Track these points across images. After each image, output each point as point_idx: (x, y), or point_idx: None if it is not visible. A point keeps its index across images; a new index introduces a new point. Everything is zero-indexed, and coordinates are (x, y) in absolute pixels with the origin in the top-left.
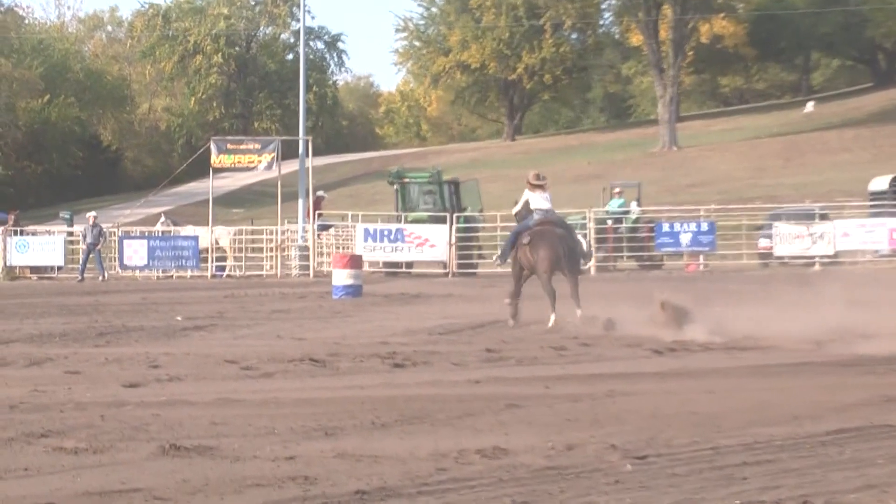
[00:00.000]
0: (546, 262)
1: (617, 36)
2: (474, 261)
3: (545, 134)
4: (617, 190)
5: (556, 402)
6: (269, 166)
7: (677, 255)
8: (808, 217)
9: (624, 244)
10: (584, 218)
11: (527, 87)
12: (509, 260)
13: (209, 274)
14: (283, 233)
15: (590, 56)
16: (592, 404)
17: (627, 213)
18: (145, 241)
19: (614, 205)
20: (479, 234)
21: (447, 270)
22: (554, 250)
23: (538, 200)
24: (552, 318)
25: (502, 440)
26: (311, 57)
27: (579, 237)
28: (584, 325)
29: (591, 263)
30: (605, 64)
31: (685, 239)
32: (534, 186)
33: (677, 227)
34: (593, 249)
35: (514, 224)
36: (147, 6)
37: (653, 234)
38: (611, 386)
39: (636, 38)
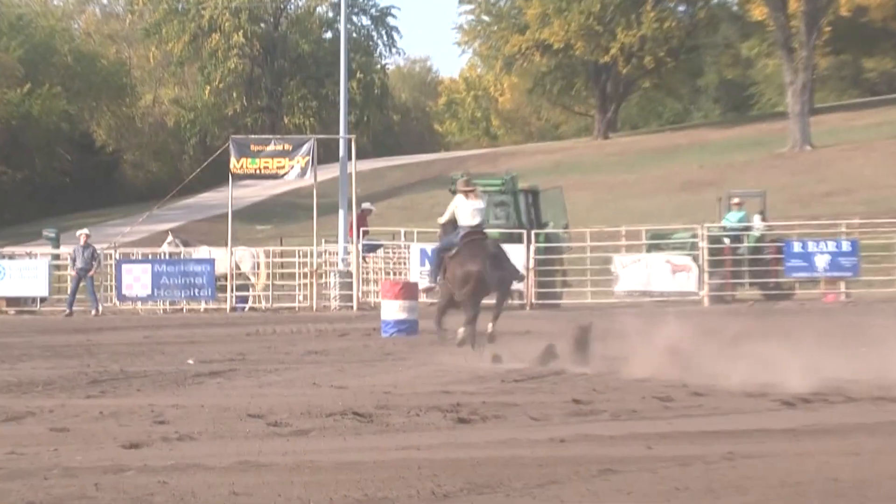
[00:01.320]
0: (462, 278)
1: (735, 7)
2: (557, 290)
3: (645, 130)
4: (736, 200)
5: (662, 466)
6: (303, 173)
7: (812, 281)
8: None
9: (745, 268)
10: (695, 236)
11: (622, 72)
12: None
13: (228, 306)
14: (319, 255)
15: (701, 33)
16: (706, 469)
17: (749, 229)
18: (149, 266)
19: (733, 219)
20: (564, 255)
21: (524, 301)
22: (481, 265)
23: (466, 211)
24: (461, 331)
25: None
26: (355, 35)
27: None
28: (475, 349)
29: (704, 292)
30: (721, 43)
31: (821, 262)
32: (465, 193)
33: (811, 246)
34: (706, 275)
35: (605, 243)
36: None
37: (781, 256)
38: (729, 446)
39: (759, 11)
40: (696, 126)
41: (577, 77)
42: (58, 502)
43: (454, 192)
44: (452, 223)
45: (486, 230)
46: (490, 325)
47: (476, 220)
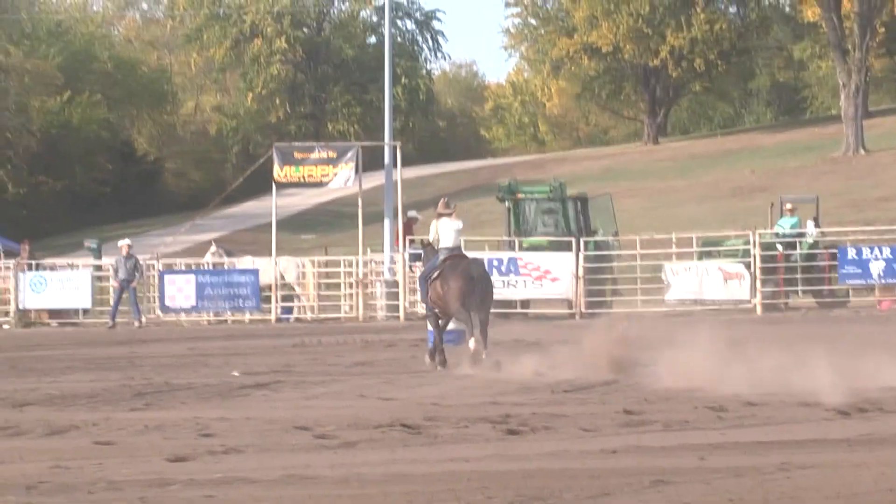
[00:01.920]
0: (457, 293)
1: (787, 9)
2: (607, 298)
3: (696, 135)
4: (789, 206)
5: (715, 477)
6: (347, 180)
7: (866, 288)
8: None
9: (798, 275)
10: (747, 242)
11: (672, 75)
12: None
13: (273, 317)
14: (365, 264)
15: (753, 35)
16: (761, 480)
17: (802, 235)
18: (192, 277)
19: (785, 225)
20: (614, 263)
21: (573, 311)
22: (466, 282)
23: (447, 232)
24: (472, 341)
25: None
26: (399, 40)
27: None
28: (474, 364)
29: (757, 300)
30: (773, 45)
31: (877, 268)
32: (440, 215)
33: (866, 252)
34: (758, 282)
35: (656, 251)
36: None
37: (835, 263)
38: (784, 457)
39: (811, 12)
40: (748, 130)
41: (626, 81)
42: None
43: (501, 200)
44: (433, 249)
45: (535, 238)
46: (471, 342)
47: (455, 242)
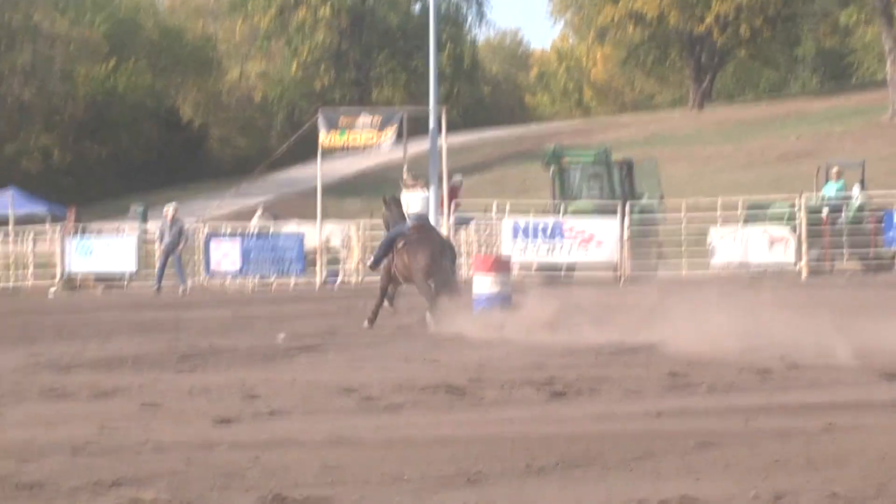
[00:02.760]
0: (424, 267)
1: None
2: (653, 261)
3: (742, 101)
4: (835, 171)
5: (760, 439)
6: (391, 144)
7: None
8: None
9: (844, 239)
10: (793, 206)
11: (718, 41)
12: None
13: (318, 281)
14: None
15: (798, 1)
16: (806, 442)
17: (849, 199)
18: (238, 242)
19: (831, 189)
20: (660, 227)
21: (618, 274)
22: (433, 256)
23: (414, 200)
24: (428, 316)
25: (692, 488)
26: (444, 7)
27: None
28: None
29: (802, 264)
30: (818, 11)
31: None
32: (408, 187)
33: None
34: (804, 247)
35: (699, 213)
36: None
37: (881, 226)
38: (829, 419)
39: None
40: (794, 96)
41: (672, 47)
42: (149, 478)
43: (547, 165)
44: (397, 207)
45: (581, 202)
46: (428, 315)
47: (423, 208)
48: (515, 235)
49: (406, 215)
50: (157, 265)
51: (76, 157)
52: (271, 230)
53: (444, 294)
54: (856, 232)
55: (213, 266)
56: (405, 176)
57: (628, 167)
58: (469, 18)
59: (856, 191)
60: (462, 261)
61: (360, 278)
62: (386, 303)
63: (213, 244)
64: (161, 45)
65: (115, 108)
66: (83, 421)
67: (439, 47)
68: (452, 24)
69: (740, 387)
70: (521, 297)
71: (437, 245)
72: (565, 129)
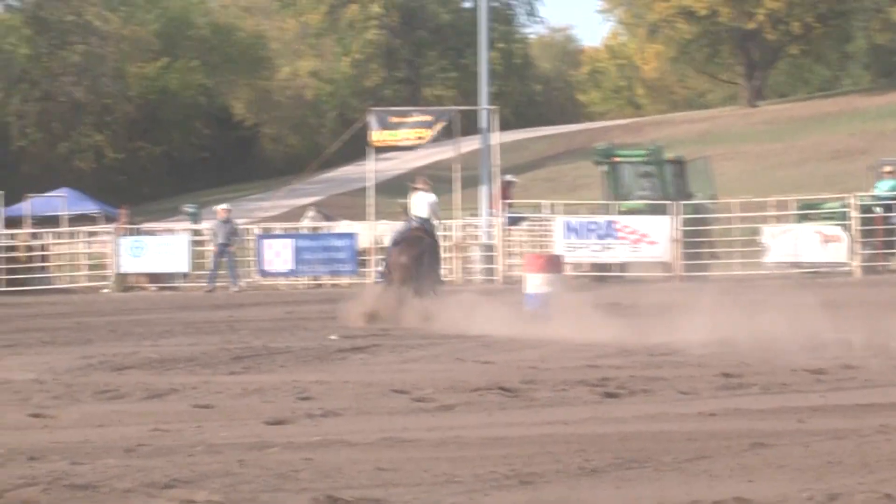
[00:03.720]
0: (401, 272)
1: None
2: (705, 261)
3: (793, 98)
4: (888, 169)
5: (814, 439)
6: (439, 137)
7: None
8: None
9: None
10: (845, 205)
11: (770, 38)
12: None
13: (370, 281)
14: (462, 228)
15: None
16: (860, 443)
17: None
18: (290, 241)
19: (884, 187)
20: (712, 226)
21: (671, 273)
22: (413, 264)
23: (420, 204)
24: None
25: (746, 488)
26: (495, 5)
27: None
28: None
29: (855, 263)
30: (870, 7)
31: None
32: (415, 189)
33: None
34: (857, 245)
35: (753, 213)
36: None
37: None
38: (884, 419)
39: None
40: (846, 93)
41: (723, 44)
42: (202, 479)
43: (598, 164)
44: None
45: (632, 201)
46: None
47: (427, 213)
48: (567, 234)
49: (410, 217)
50: (210, 265)
51: (128, 156)
52: (323, 229)
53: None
54: None
55: (265, 266)
56: (418, 180)
57: (680, 165)
58: (520, 16)
59: None
60: (513, 260)
61: None
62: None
63: (265, 244)
64: (212, 43)
65: (167, 106)
66: (136, 422)
67: (490, 45)
68: (503, 21)
69: (794, 387)
70: (573, 295)
71: (423, 254)
72: (617, 127)
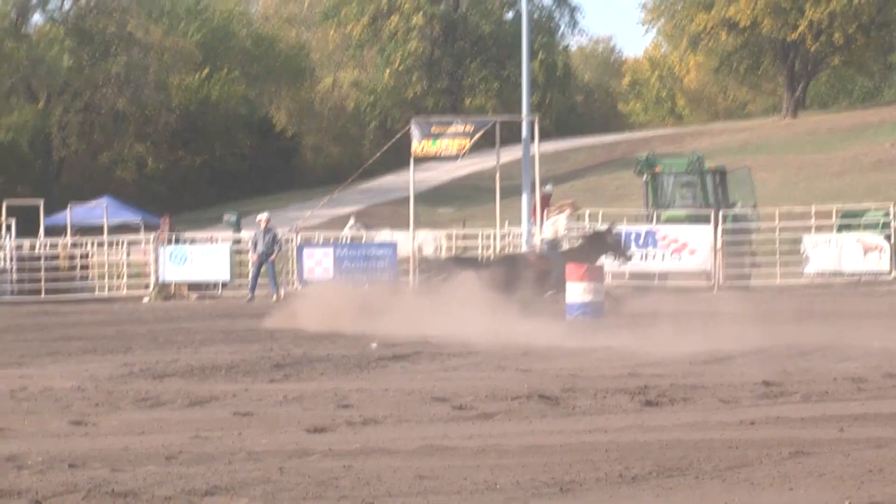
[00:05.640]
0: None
1: None
2: (746, 270)
3: (835, 109)
4: None
5: (855, 448)
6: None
7: None
8: None
9: None
10: (887, 215)
11: (811, 49)
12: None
13: (411, 290)
14: (503, 238)
15: (892, 8)
16: None
17: None
18: (331, 250)
19: None
20: (753, 236)
21: (712, 282)
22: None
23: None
24: None
25: (786, 497)
26: (536, 16)
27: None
28: None
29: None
30: None
31: None
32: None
33: None
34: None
35: (795, 223)
36: None
37: None
38: None
39: None
40: (888, 103)
41: (765, 55)
42: (242, 486)
43: (639, 173)
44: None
45: (674, 211)
46: None
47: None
48: None
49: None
50: (251, 274)
51: (170, 166)
52: (363, 239)
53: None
54: None
55: (306, 275)
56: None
57: (721, 175)
58: (561, 26)
59: None
60: None
61: None
62: None
63: (306, 253)
64: (254, 53)
65: (209, 116)
66: (177, 429)
67: (532, 55)
68: (545, 32)
69: (835, 395)
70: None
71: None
72: (658, 137)
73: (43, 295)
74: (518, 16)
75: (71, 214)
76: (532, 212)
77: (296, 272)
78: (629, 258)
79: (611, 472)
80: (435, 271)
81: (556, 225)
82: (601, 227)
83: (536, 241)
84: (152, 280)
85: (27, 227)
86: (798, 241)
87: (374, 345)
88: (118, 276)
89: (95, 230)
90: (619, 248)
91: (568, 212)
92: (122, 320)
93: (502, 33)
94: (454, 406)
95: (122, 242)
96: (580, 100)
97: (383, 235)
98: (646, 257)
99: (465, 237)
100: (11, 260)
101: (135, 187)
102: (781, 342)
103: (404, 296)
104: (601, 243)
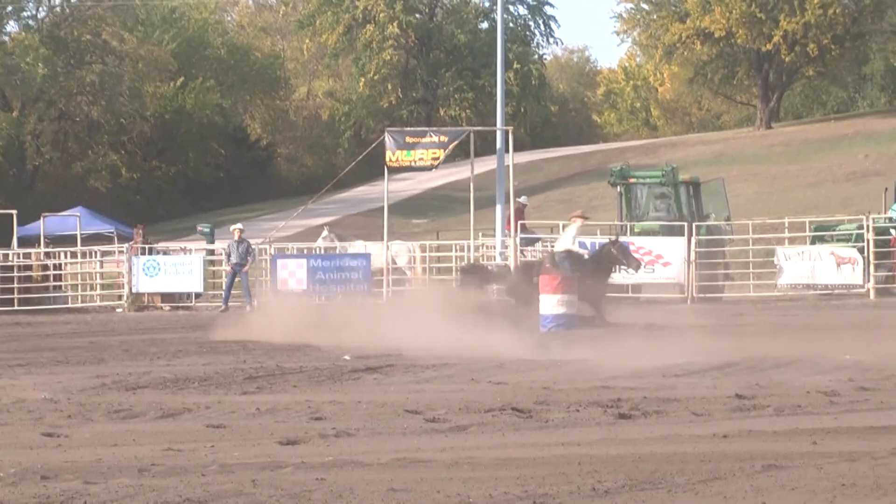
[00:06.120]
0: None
1: None
2: (719, 283)
3: (809, 120)
4: None
5: (827, 462)
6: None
7: None
8: None
9: None
10: (861, 227)
11: (786, 60)
12: None
13: (385, 301)
14: (477, 249)
15: (867, 20)
16: (873, 465)
17: None
18: (304, 261)
19: None
20: (726, 247)
21: (685, 295)
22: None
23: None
24: None
25: None
26: (511, 25)
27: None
28: None
29: (870, 285)
30: (888, 29)
31: None
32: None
33: None
34: (871, 267)
35: (768, 235)
36: None
37: None
38: None
39: None
40: (862, 115)
41: (739, 66)
42: (215, 499)
43: (613, 185)
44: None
45: (647, 222)
46: None
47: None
48: None
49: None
50: (224, 284)
51: (144, 176)
52: (337, 249)
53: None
54: None
55: (279, 285)
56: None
57: (695, 187)
58: (536, 37)
59: None
60: None
61: None
62: None
63: (279, 264)
64: (229, 63)
65: (183, 126)
66: (149, 441)
67: (507, 65)
68: (520, 42)
69: (807, 409)
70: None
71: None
72: (632, 148)
73: (16, 306)
74: (493, 26)
75: (44, 225)
76: (506, 223)
77: (269, 282)
78: (639, 267)
79: (583, 486)
80: (481, 278)
81: (568, 236)
82: (604, 240)
83: (509, 253)
84: (126, 291)
85: (0, 237)
86: (771, 254)
87: (347, 357)
88: (91, 287)
89: (69, 241)
90: (628, 258)
91: (579, 223)
92: (96, 331)
93: (477, 43)
94: (427, 419)
95: (96, 253)
96: (555, 110)
97: (356, 247)
98: (619, 269)
99: (438, 248)
100: None
101: (109, 197)
102: (754, 355)
103: (365, 308)
104: (609, 257)
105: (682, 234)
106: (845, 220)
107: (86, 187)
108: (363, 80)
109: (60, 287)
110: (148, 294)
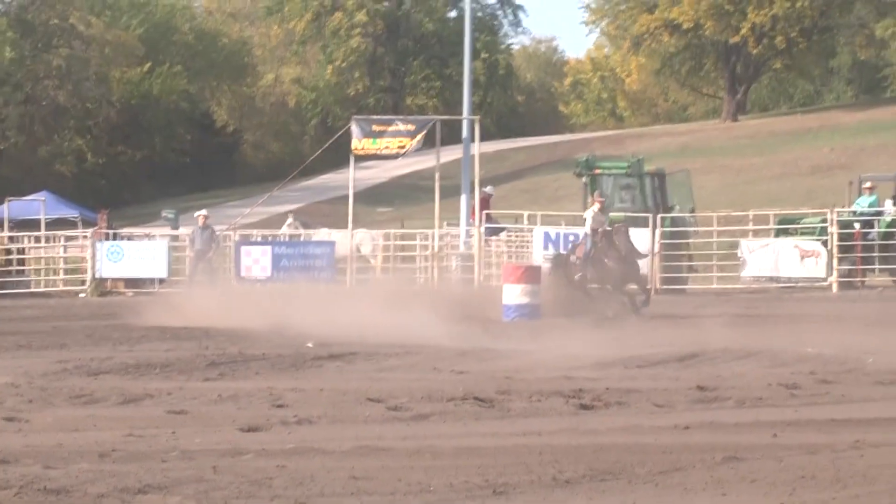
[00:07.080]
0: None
1: None
2: (683, 274)
3: (775, 112)
4: (867, 185)
5: (788, 454)
6: (418, 146)
7: None
8: None
9: (875, 254)
10: (824, 220)
11: (753, 52)
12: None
13: (348, 289)
14: (441, 238)
15: (835, 13)
16: (833, 458)
17: (881, 214)
18: (268, 248)
19: (864, 203)
20: (691, 239)
21: (649, 286)
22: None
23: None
24: None
25: (719, 502)
26: (479, 14)
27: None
28: None
29: (833, 278)
30: (855, 23)
31: None
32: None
33: None
34: (835, 261)
35: (732, 227)
36: None
37: None
38: (857, 434)
39: None
40: (828, 108)
41: (707, 57)
42: (175, 484)
43: (579, 175)
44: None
45: (613, 213)
46: None
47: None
48: (546, 245)
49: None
50: (188, 271)
51: (109, 161)
52: (302, 237)
53: None
54: (887, 247)
55: (243, 272)
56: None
57: (660, 178)
58: (504, 26)
59: (888, 205)
60: (491, 271)
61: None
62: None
63: (243, 250)
64: (196, 48)
65: (150, 111)
66: (111, 427)
67: (474, 55)
68: (488, 31)
69: (769, 401)
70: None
71: None
72: (598, 138)
73: None
74: (461, 15)
75: (8, 209)
76: (471, 212)
77: (233, 269)
78: (644, 255)
79: (544, 475)
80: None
81: (587, 219)
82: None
83: (473, 241)
84: (89, 276)
85: None
86: (735, 246)
87: (309, 344)
88: (55, 272)
89: (32, 225)
90: (630, 246)
91: (597, 206)
92: (58, 316)
93: (445, 32)
94: (389, 407)
95: (60, 238)
96: (521, 100)
97: (321, 234)
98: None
99: (403, 237)
100: None
101: (74, 181)
102: (716, 347)
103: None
104: (611, 244)
105: (647, 226)
106: (809, 214)
107: (51, 171)
108: (331, 67)
109: (24, 272)
110: (111, 279)
